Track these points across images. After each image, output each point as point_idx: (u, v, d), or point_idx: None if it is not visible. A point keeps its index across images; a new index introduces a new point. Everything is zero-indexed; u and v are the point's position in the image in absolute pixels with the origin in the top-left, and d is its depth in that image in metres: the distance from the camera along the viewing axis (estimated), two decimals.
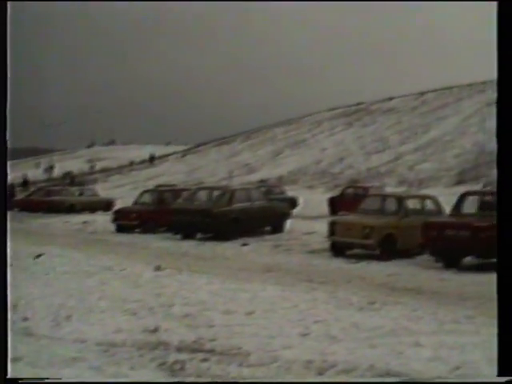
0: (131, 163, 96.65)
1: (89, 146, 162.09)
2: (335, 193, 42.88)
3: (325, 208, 36.85)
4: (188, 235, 23.36)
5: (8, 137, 6.94)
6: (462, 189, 26.57)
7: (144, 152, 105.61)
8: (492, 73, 6.61)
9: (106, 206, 39.21)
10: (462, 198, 17.37)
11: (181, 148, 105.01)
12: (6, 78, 7.01)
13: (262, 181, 53.61)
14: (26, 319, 10.08)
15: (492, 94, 70.56)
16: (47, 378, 7.22)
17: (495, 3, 6.78)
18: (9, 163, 7.15)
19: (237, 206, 23.50)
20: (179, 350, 8.40)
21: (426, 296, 12.65)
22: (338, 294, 12.47)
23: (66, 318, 10.22)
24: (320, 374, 7.42)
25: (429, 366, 7.62)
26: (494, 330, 9.30)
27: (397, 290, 13.33)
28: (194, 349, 8.41)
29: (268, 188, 37.16)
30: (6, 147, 6.92)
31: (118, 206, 34.49)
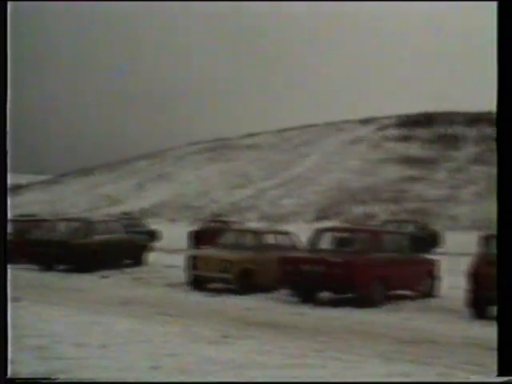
0: None
1: None
2: (197, 227, 43.04)
3: (186, 242, 36.97)
4: (49, 267, 23.04)
5: None
6: (322, 225, 27.17)
7: (14, 180, 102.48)
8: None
9: None
10: (318, 234, 17.78)
11: (48, 177, 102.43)
12: (5, 79, 6.90)
13: (124, 213, 53.13)
14: None
15: (350, 134, 72.52)
16: (46, 378, 7.09)
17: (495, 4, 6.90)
18: None
19: (96, 238, 23.31)
20: None
21: (280, 330, 12.84)
22: (193, 327, 12.55)
23: None
24: None
25: None
26: (342, 364, 9.63)
27: (253, 324, 13.50)
28: None
29: (129, 221, 36.90)
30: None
31: None
